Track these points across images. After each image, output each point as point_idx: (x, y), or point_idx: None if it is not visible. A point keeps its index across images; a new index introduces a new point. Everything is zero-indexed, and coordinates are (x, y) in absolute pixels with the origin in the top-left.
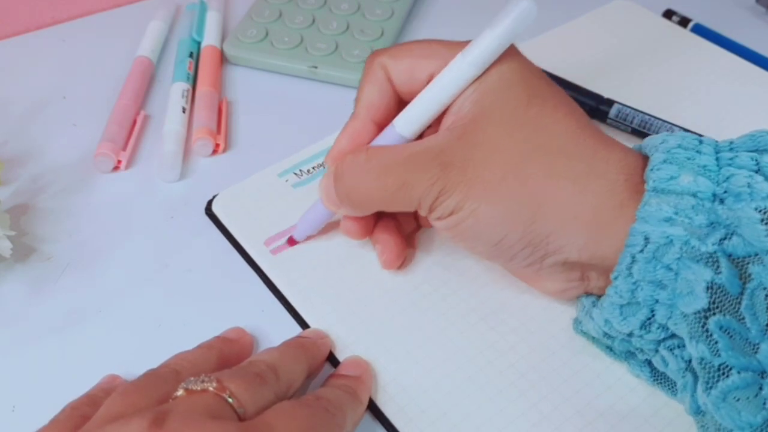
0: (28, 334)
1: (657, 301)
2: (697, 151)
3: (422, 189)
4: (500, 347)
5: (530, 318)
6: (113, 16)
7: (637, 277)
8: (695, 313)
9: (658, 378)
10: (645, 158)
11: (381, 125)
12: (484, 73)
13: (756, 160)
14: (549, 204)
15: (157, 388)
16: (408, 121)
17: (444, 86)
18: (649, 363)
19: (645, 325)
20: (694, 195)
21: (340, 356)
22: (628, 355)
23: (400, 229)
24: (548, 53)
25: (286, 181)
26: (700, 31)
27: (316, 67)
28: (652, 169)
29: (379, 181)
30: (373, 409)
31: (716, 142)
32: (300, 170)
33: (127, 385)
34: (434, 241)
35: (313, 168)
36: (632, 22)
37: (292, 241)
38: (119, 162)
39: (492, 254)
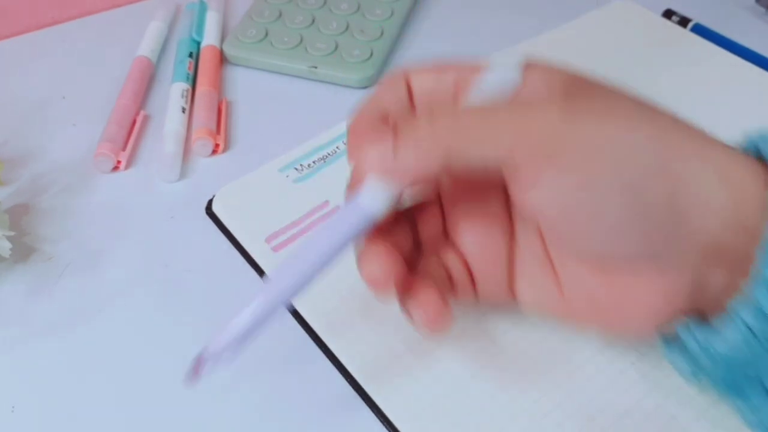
0: (28, 334)
1: None
2: None
3: (538, 113)
4: (502, 343)
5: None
6: (113, 16)
7: None
8: None
9: None
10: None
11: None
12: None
13: None
14: (677, 147)
15: None
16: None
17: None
18: None
19: None
20: None
21: (342, 355)
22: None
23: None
24: (549, 52)
25: (287, 176)
26: (700, 31)
27: (315, 67)
28: None
29: (485, 121)
30: (373, 407)
31: None
32: (301, 165)
33: None
34: None
35: (314, 162)
36: (632, 22)
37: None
38: (119, 162)
39: (608, 242)
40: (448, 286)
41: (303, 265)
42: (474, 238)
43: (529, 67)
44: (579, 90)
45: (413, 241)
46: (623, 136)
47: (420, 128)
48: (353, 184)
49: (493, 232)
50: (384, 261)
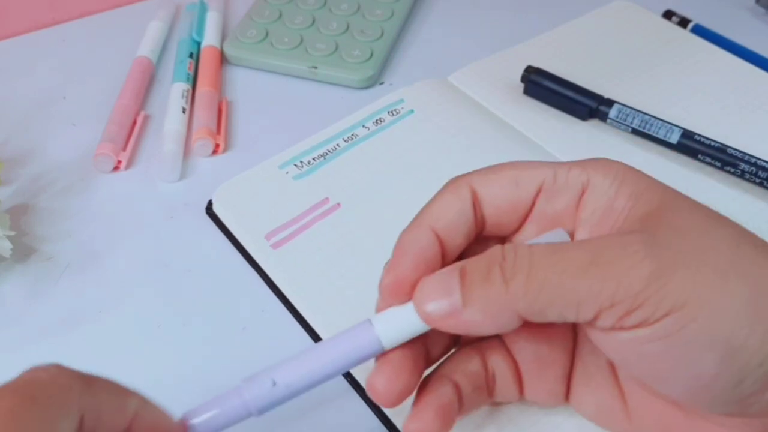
0: (28, 335)
1: None
2: None
3: (622, 270)
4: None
5: None
6: (113, 17)
7: None
8: None
9: None
10: None
11: (446, 250)
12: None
13: None
14: None
15: None
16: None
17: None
18: None
19: None
20: None
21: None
22: None
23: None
24: (548, 53)
25: (287, 172)
26: (700, 31)
27: (316, 68)
28: None
29: (567, 281)
30: (373, 406)
31: None
32: (300, 161)
33: None
34: None
35: (314, 159)
36: (632, 23)
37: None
38: (119, 162)
39: (721, 372)
40: (481, 386)
41: (296, 377)
42: (529, 345)
43: (619, 179)
44: (668, 225)
45: (454, 336)
46: (718, 300)
47: (492, 290)
48: (382, 304)
49: (553, 341)
50: (392, 378)
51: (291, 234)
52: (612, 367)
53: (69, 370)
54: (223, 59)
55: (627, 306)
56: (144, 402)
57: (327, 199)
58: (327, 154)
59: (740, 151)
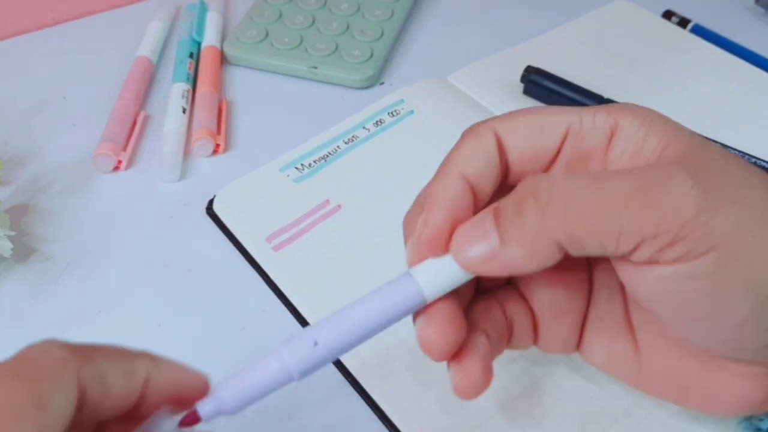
0: (28, 335)
1: None
2: None
3: (670, 199)
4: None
5: None
6: (113, 17)
7: None
8: None
9: None
10: None
11: (477, 198)
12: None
13: None
14: None
15: None
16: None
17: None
18: None
19: None
20: None
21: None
22: None
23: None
24: (548, 53)
25: (288, 175)
26: (700, 31)
27: (316, 68)
28: None
29: (609, 206)
30: (374, 407)
31: None
32: (301, 164)
33: None
34: None
35: (315, 162)
36: (632, 23)
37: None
38: (119, 162)
39: (722, 340)
40: (503, 335)
41: (339, 334)
42: (547, 293)
43: (647, 124)
44: (707, 165)
45: (475, 286)
46: (759, 244)
47: (528, 221)
48: (418, 257)
49: (569, 289)
50: (445, 329)
51: (292, 236)
52: (627, 314)
53: (64, 344)
54: (223, 59)
55: (670, 237)
56: (155, 362)
57: (328, 201)
58: (327, 156)
59: (740, 151)
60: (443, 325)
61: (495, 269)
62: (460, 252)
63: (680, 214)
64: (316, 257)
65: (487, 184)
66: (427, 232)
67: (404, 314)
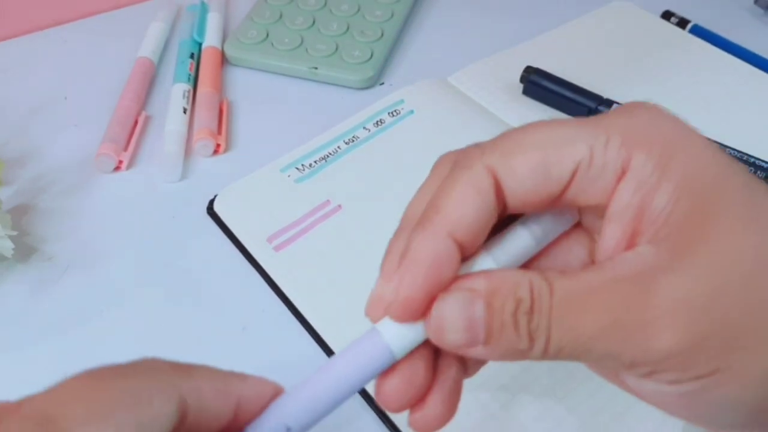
0: (29, 334)
1: None
2: None
3: (643, 338)
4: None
5: None
6: (114, 17)
7: None
8: None
9: None
10: None
11: (464, 253)
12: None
13: None
14: None
15: None
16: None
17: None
18: None
19: None
20: None
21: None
22: None
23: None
24: (548, 53)
25: (288, 176)
26: (699, 32)
27: (316, 68)
28: None
29: (595, 316)
30: (376, 409)
31: None
32: (302, 165)
33: None
34: None
35: (315, 162)
36: (631, 23)
37: None
38: (120, 162)
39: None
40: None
41: (309, 416)
42: None
43: (664, 161)
44: (709, 252)
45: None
46: (748, 369)
47: (518, 345)
48: (380, 313)
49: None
50: (405, 388)
51: (293, 236)
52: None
53: (164, 360)
54: (223, 60)
55: (648, 369)
56: (244, 380)
57: (328, 201)
58: (328, 156)
59: (739, 151)
60: (402, 385)
61: (465, 354)
62: (438, 333)
63: (653, 352)
64: (316, 257)
65: (480, 237)
66: (401, 297)
67: (373, 376)
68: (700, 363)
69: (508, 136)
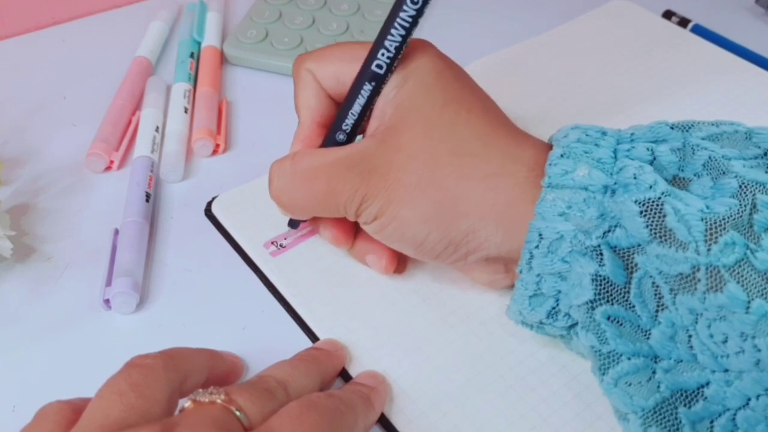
0: (28, 334)
1: (560, 291)
2: (596, 144)
3: (346, 196)
4: (499, 350)
5: None
6: (114, 17)
7: (537, 270)
8: (584, 304)
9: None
10: None
11: (326, 126)
12: (403, 75)
13: (651, 150)
14: (463, 205)
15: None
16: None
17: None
18: None
19: (551, 314)
20: (585, 188)
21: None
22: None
23: None
24: (548, 53)
25: None
26: (700, 31)
27: None
28: (549, 164)
29: (306, 186)
30: None
31: (620, 133)
32: None
33: (125, 386)
34: None
35: None
36: (632, 23)
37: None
38: (111, 162)
39: (418, 254)
40: None
41: None
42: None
43: (406, 79)
44: (392, 145)
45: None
46: (404, 215)
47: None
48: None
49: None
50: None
51: (290, 243)
52: None
53: (153, 354)
54: (223, 59)
55: (354, 212)
56: (213, 355)
57: None
58: None
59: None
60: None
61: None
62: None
63: (349, 203)
64: (314, 262)
65: (320, 109)
66: (298, 144)
67: None
68: (372, 209)
69: (327, 48)
